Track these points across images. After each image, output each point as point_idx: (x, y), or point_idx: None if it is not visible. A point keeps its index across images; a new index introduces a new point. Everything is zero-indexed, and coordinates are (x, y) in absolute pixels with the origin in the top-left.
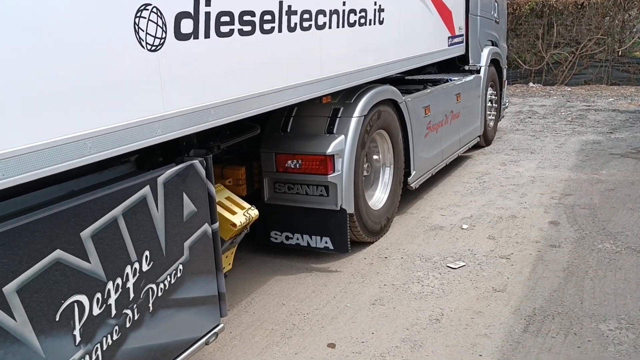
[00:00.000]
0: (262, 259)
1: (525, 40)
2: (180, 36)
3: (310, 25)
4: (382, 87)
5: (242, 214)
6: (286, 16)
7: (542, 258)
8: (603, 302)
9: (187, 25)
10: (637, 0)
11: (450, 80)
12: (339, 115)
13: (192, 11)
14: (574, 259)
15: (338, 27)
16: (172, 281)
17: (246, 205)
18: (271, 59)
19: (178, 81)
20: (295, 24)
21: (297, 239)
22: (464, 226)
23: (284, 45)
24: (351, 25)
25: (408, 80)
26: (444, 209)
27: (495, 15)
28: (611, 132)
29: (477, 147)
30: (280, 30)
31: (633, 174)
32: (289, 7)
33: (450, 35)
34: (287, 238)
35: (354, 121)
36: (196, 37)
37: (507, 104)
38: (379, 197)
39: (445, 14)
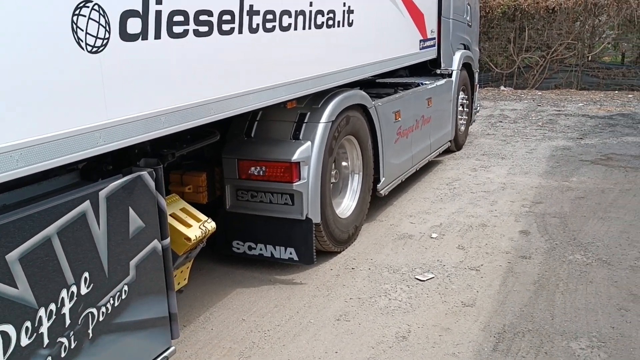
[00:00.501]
0: (225, 270)
1: (497, 44)
2: (126, 37)
3: (274, 27)
4: (351, 92)
5: (197, 227)
6: (247, 16)
7: (513, 270)
8: (574, 318)
9: (134, 25)
10: (606, 6)
11: (422, 84)
12: (306, 121)
13: (140, 10)
14: (545, 271)
15: (305, 28)
16: (116, 304)
17: (203, 217)
18: (230, 62)
19: (123, 86)
20: (258, 24)
21: (261, 249)
22: (433, 235)
23: (245, 47)
24: (318, 27)
25: (379, 84)
26: (413, 216)
27: (468, 18)
28: (581, 138)
29: (447, 151)
30: (240, 32)
31: (603, 181)
32: (251, 6)
33: (422, 38)
34: (250, 248)
35: (321, 127)
36: (145, 38)
37: (478, 108)
38: (347, 204)
39: (417, 17)
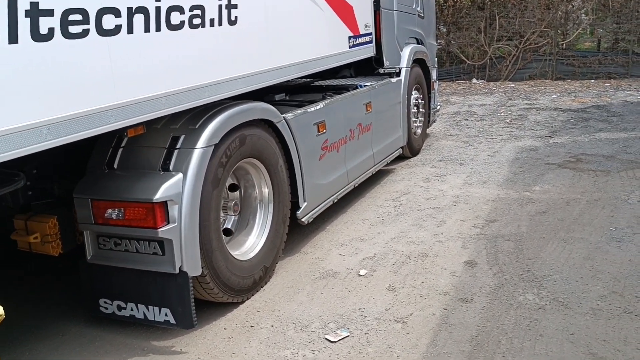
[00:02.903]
0: (94, 335)
1: (467, 34)
2: None
3: (87, 31)
4: (246, 105)
5: None
6: (27, 19)
7: (447, 321)
8: None
9: None
10: None
11: (361, 86)
12: (178, 146)
13: None
14: (487, 321)
15: (148, 31)
16: None
17: None
18: None
19: None
20: (51, 29)
21: (132, 309)
22: (362, 272)
23: (18, 62)
24: (175, 27)
25: (313, 88)
26: (345, 245)
27: (419, 9)
28: (550, 136)
29: (402, 158)
30: (14, 40)
31: (569, 189)
32: (34, 5)
33: (352, 34)
34: (120, 308)
35: (197, 154)
36: None
37: (438, 106)
38: (252, 243)
39: (344, 10)
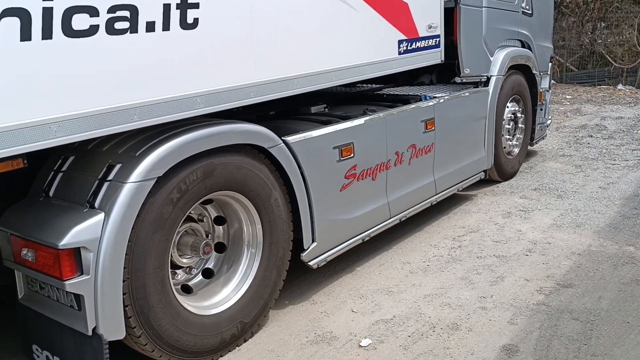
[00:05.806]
0: None
1: (616, 32)
2: None
3: None
4: (218, 128)
5: None
6: None
7: None
8: None
9: None
10: None
11: (425, 98)
12: (110, 178)
13: None
14: None
15: (28, 39)
16: None
17: None
18: None
19: None
20: None
21: None
22: (364, 342)
23: None
24: (79, 34)
25: (370, 97)
26: (364, 297)
27: (523, 4)
28: None
29: (490, 182)
30: None
31: None
32: None
33: (404, 38)
34: None
35: (127, 190)
36: None
37: (549, 121)
38: (227, 294)
39: (392, 8)
